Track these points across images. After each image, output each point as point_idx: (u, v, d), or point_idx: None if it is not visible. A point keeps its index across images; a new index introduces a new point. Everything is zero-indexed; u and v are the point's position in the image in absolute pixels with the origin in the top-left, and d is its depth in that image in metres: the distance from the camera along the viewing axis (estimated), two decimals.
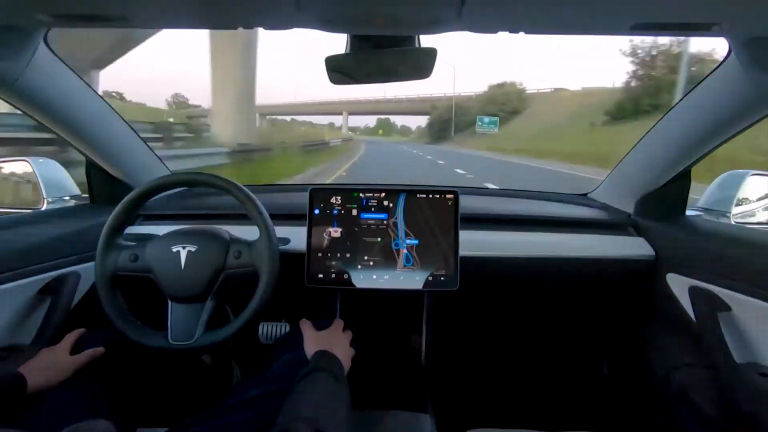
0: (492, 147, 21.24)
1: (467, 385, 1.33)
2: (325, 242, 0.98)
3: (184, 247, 0.81)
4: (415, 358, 0.99)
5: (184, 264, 0.80)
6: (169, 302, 0.81)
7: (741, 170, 1.21)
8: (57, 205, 1.18)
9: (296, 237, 0.99)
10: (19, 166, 1.24)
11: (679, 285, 0.95)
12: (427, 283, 0.96)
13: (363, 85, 0.86)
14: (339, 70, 0.76)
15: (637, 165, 1.10)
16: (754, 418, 0.74)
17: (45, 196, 1.16)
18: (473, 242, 1.02)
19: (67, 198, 1.22)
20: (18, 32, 0.68)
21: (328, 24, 0.61)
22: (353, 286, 0.96)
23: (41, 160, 1.23)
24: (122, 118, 1.05)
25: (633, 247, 1.06)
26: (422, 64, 0.74)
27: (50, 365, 0.70)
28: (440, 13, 0.55)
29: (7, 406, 0.62)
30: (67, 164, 1.27)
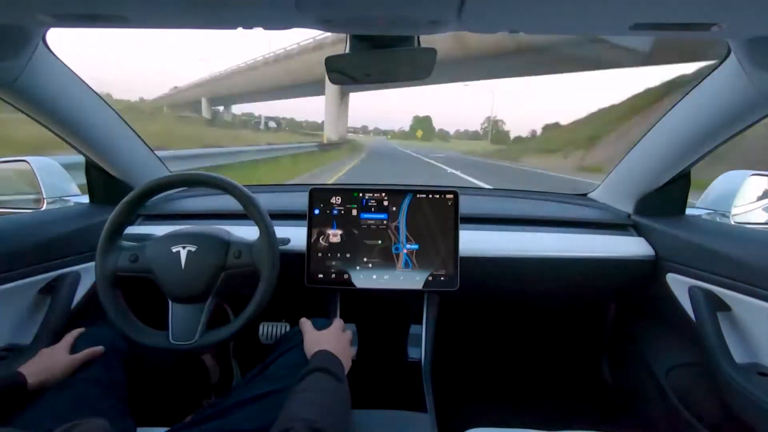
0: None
1: (467, 385, 1.33)
2: (325, 242, 0.98)
3: (184, 247, 0.81)
4: (415, 358, 0.99)
5: (184, 264, 0.80)
6: (170, 302, 0.81)
7: (741, 170, 1.21)
8: (57, 205, 1.18)
9: (296, 237, 0.99)
10: (19, 166, 1.24)
11: (679, 285, 0.95)
12: (427, 283, 0.96)
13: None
14: (339, 70, 0.76)
15: (636, 165, 1.10)
16: (753, 418, 0.74)
17: (45, 196, 1.17)
18: (473, 242, 1.02)
19: (67, 198, 1.22)
20: (18, 32, 0.68)
21: (328, 24, 0.61)
22: (353, 286, 0.96)
23: (41, 160, 1.23)
24: (122, 118, 1.05)
25: (633, 247, 1.06)
26: (422, 64, 0.74)
27: (50, 365, 0.70)
28: (440, 13, 0.55)
29: (7, 406, 0.63)
30: None
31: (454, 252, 0.96)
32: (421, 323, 1.02)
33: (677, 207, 1.07)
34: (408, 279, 0.96)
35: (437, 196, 0.98)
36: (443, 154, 24.95)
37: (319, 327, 0.80)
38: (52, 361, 0.71)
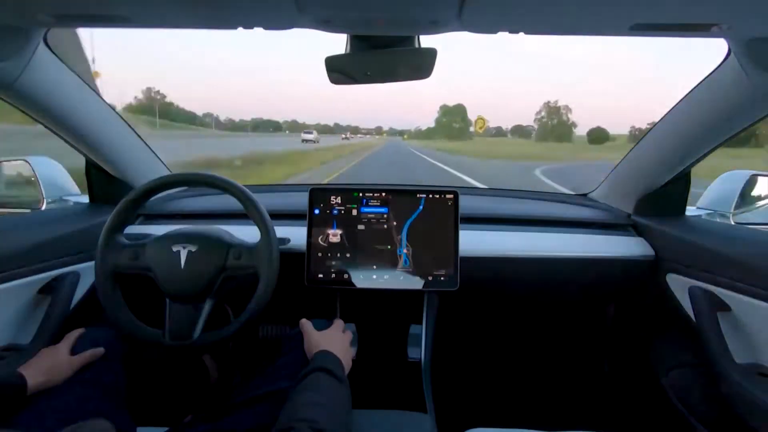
0: None
1: (467, 384, 1.33)
2: (325, 242, 0.98)
3: (184, 247, 0.81)
4: (415, 358, 0.99)
5: (184, 264, 0.80)
6: (168, 301, 0.82)
7: (741, 170, 1.21)
8: (57, 205, 1.18)
9: (296, 237, 0.99)
10: (19, 166, 1.24)
11: (679, 285, 0.95)
12: (427, 283, 0.96)
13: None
14: (339, 70, 0.76)
15: (637, 165, 1.10)
16: (753, 418, 0.74)
17: (45, 196, 1.17)
18: (473, 242, 1.02)
19: (67, 198, 1.22)
20: (18, 32, 0.68)
21: (328, 24, 0.61)
22: (353, 286, 0.96)
23: (41, 160, 1.23)
24: (122, 118, 1.05)
25: (633, 247, 1.06)
26: (422, 64, 0.74)
27: (50, 365, 0.70)
28: (440, 13, 0.55)
29: (7, 406, 0.63)
30: None
31: (454, 252, 0.96)
32: (421, 323, 1.02)
33: (677, 207, 1.07)
34: (408, 279, 0.96)
35: (437, 196, 0.98)
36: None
37: (319, 327, 0.80)
38: (52, 361, 0.71)
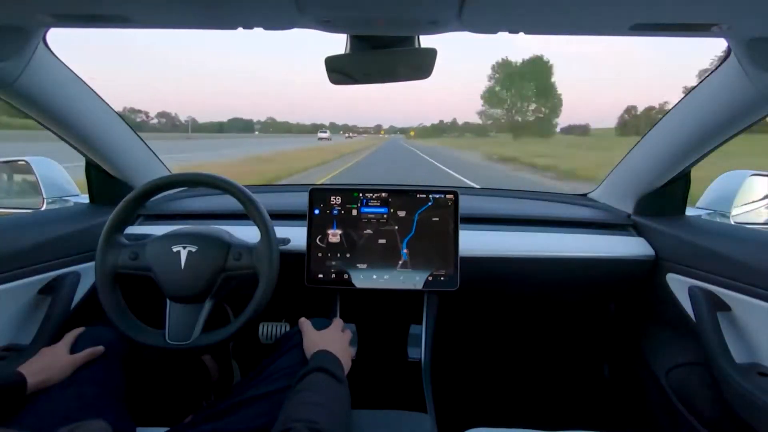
0: None
1: (467, 384, 1.33)
2: (325, 242, 0.98)
3: (184, 248, 0.81)
4: (415, 358, 0.99)
5: (184, 264, 0.80)
6: (168, 301, 0.82)
7: (741, 170, 1.21)
8: (57, 205, 1.18)
9: (296, 237, 0.99)
10: (18, 166, 1.24)
11: (679, 285, 0.95)
12: (427, 283, 0.96)
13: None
14: (339, 70, 0.76)
15: (637, 165, 1.10)
16: (753, 418, 0.74)
17: (45, 196, 1.17)
18: (473, 242, 1.02)
19: (67, 198, 1.22)
20: (18, 32, 0.68)
21: (328, 25, 0.61)
22: (353, 286, 0.96)
23: (41, 160, 1.23)
24: (122, 118, 1.05)
25: (633, 247, 1.06)
26: (422, 64, 0.74)
27: (50, 365, 0.70)
28: (440, 13, 0.55)
29: (7, 406, 0.63)
30: None
31: (454, 252, 0.96)
32: (421, 323, 1.02)
33: (677, 207, 1.07)
34: (408, 279, 0.97)
35: (437, 196, 0.98)
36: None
37: (318, 327, 0.80)
38: (52, 360, 0.71)
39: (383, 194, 0.99)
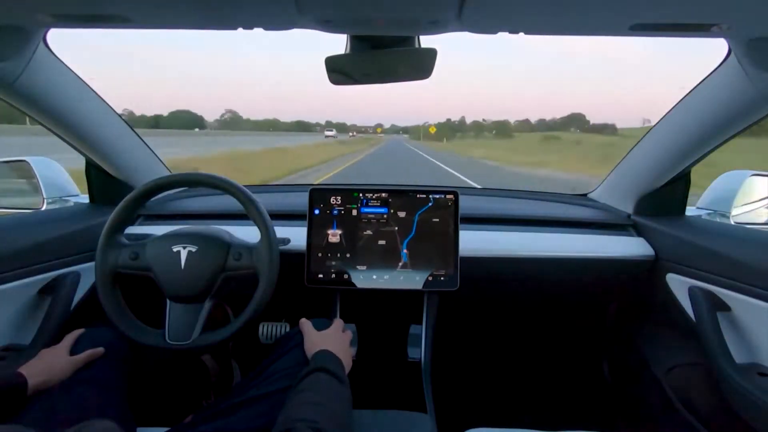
0: None
1: (467, 384, 1.33)
2: (325, 242, 0.98)
3: (184, 247, 0.81)
4: (415, 358, 0.99)
5: (184, 264, 0.80)
6: (168, 301, 0.82)
7: (741, 170, 1.21)
8: (57, 205, 1.18)
9: (296, 237, 0.99)
10: (18, 166, 1.24)
11: (679, 285, 0.95)
12: (427, 283, 0.96)
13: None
14: (338, 70, 0.76)
15: (636, 165, 1.10)
16: (753, 418, 0.74)
17: (45, 196, 1.17)
18: (473, 242, 1.02)
19: (67, 198, 1.22)
20: (18, 32, 0.68)
21: (328, 25, 0.61)
22: (353, 286, 0.97)
23: (41, 160, 1.23)
24: (122, 118, 1.05)
25: (633, 247, 1.06)
26: (422, 64, 0.74)
27: (50, 365, 0.70)
28: (440, 13, 0.55)
29: (7, 406, 0.63)
30: None
31: (454, 252, 0.96)
32: (421, 323, 1.02)
33: (677, 207, 1.07)
34: (408, 279, 0.97)
35: (437, 196, 0.98)
36: None
37: (319, 328, 0.80)
38: (52, 361, 0.71)
39: (383, 194, 0.99)
